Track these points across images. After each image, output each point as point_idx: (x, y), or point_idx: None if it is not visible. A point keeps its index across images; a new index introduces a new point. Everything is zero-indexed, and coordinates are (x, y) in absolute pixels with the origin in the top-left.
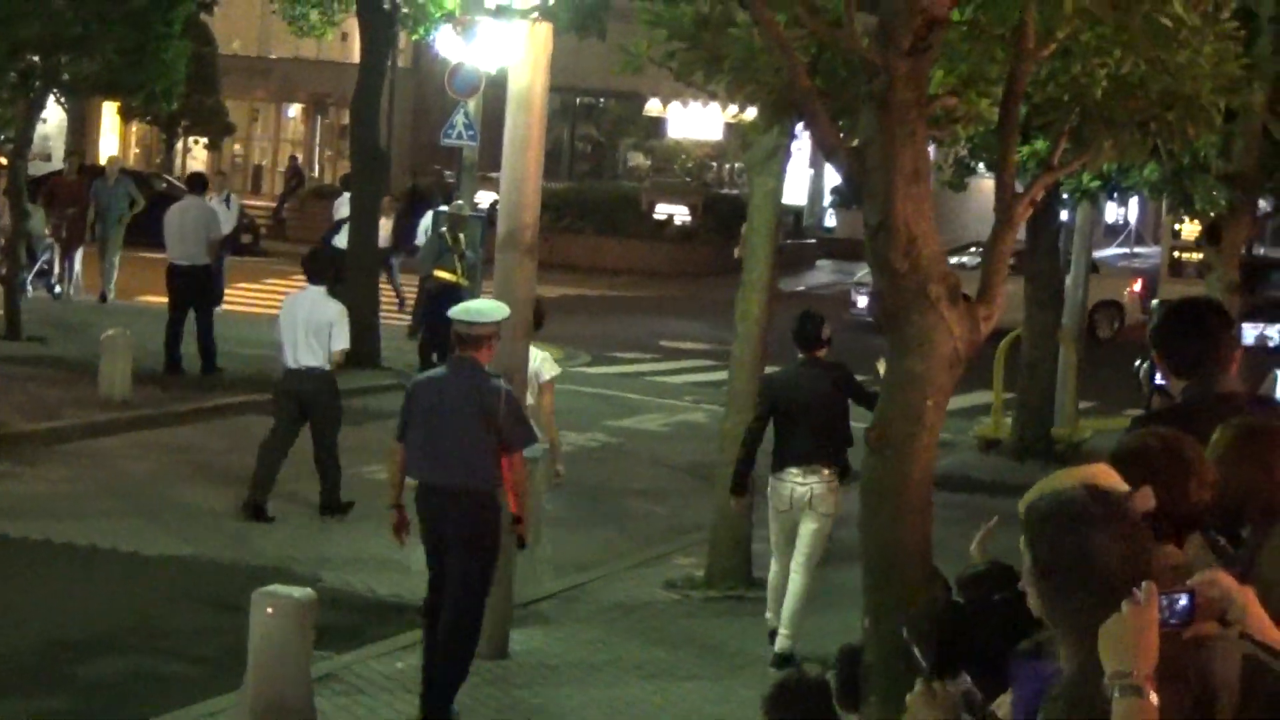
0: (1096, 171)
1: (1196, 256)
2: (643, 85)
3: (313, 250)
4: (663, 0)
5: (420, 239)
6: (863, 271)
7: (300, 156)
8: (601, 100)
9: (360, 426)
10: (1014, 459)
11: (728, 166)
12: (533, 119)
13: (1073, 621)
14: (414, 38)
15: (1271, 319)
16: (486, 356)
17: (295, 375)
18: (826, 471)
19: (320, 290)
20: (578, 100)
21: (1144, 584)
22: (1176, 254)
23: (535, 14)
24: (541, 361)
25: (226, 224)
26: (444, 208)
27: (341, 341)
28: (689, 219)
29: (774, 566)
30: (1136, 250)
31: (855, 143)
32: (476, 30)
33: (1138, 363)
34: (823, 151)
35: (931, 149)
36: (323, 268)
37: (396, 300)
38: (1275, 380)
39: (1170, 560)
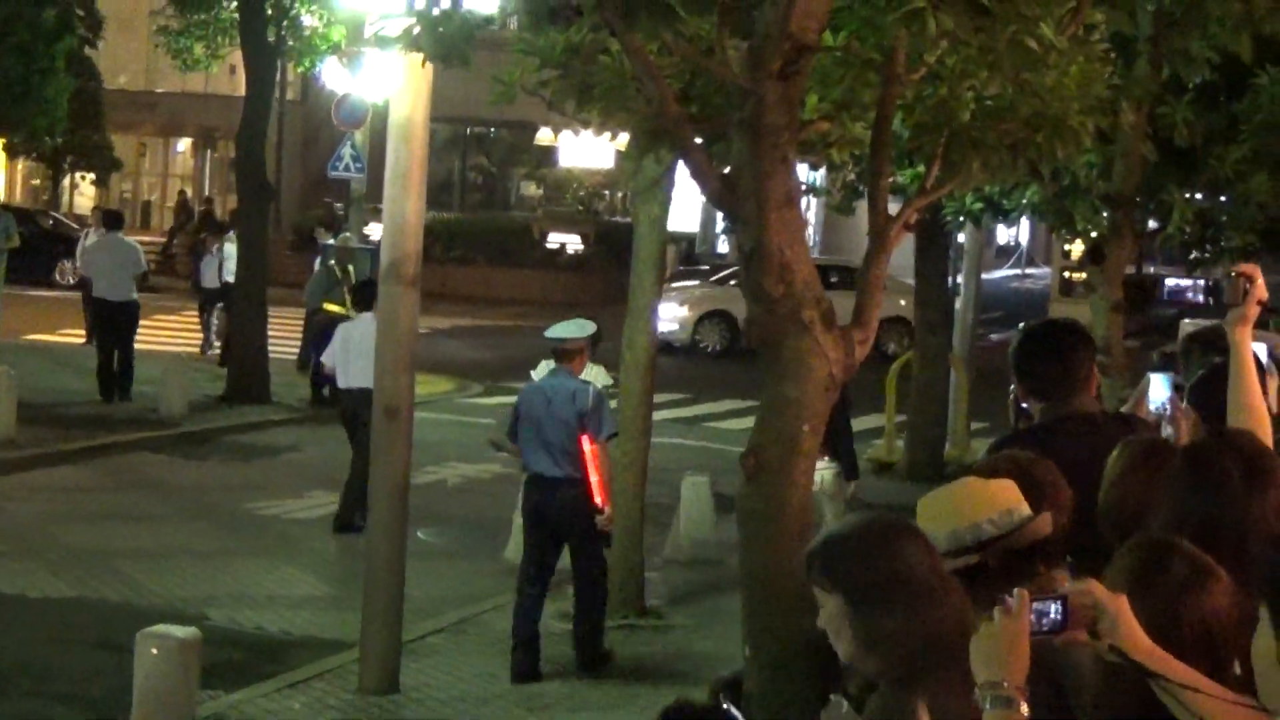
0: (970, 193)
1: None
2: (534, 114)
3: (362, 281)
4: (532, 28)
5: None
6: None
7: (189, 191)
8: (492, 130)
9: (249, 462)
10: (906, 481)
11: (620, 194)
12: (414, 149)
13: (889, 647)
14: (299, 69)
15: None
16: (579, 366)
17: (347, 395)
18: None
19: (370, 316)
20: (468, 130)
21: (1015, 591)
22: (1066, 274)
23: (401, 44)
24: (596, 374)
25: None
26: (330, 240)
27: None
28: (581, 248)
29: None
30: (1028, 271)
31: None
32: (362, 61)
33: (1012, 387)
34: (695, 179)
35: (821, 173)
36: (371, 296)
37: (202, 340)
38: (1148, 385)
39: (1056, 585)
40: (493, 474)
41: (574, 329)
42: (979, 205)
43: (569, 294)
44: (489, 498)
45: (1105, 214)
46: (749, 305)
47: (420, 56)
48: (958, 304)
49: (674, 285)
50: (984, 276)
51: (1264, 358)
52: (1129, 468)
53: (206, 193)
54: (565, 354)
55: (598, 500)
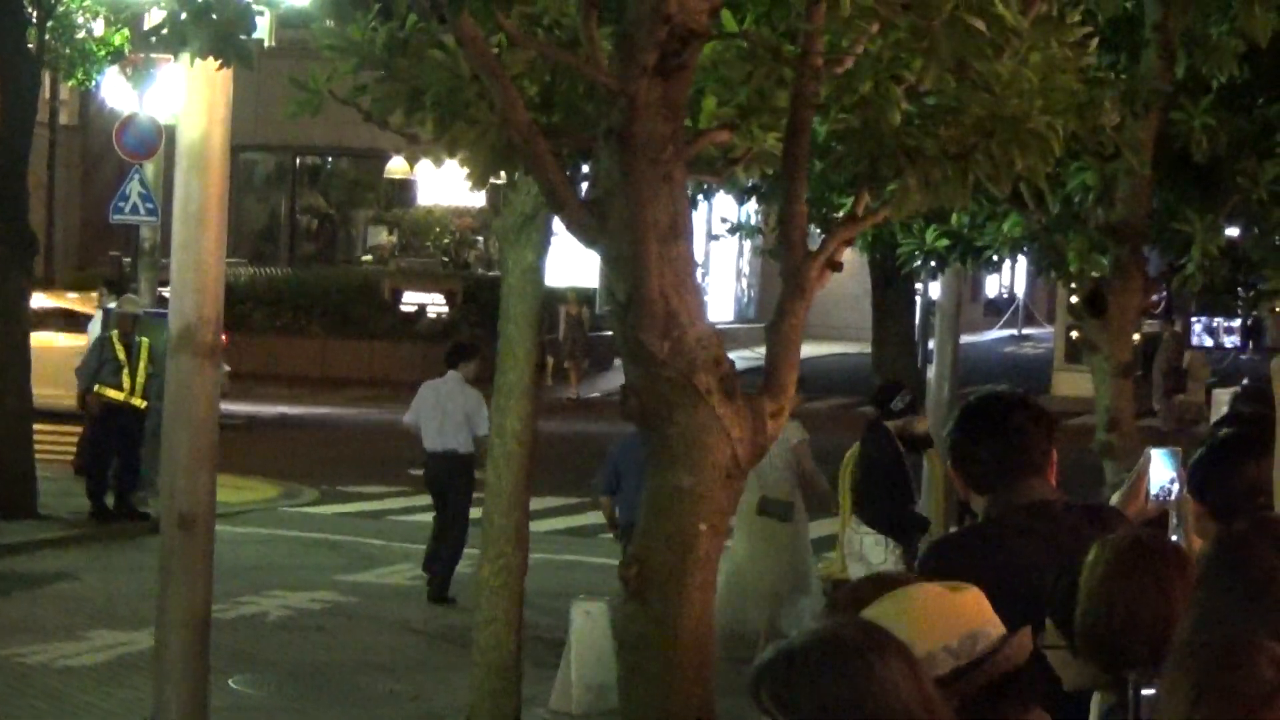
0: (932, 227)
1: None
2: (383, 140)
3: (455, 342)
4: (339, 18)
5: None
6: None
7: None
8: (329, 160)
9: (8, 596)
10: None
11: (496, 241)
12: (210, 180)
13: None
14: (71, 84)
15: None
16: None
17: (435, 458)
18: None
19: (458, 376)
20: (299, 161)
21: None
22: (1075, 334)
23: (167, 41)
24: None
25: None
26: (112, 305)
27: (484, 428)
28: (446, 310)
29: None
30: (1026, 332)
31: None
32: (153, 73)
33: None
34: (551, 205)
35: (753, 207)
36: (464, 355)
37: None
38: (1148, 463)
39: None
40: (327, 604)
41: None
42: (944, 242)
43: (430, 369)
44: (322, 635)
45: (1107, 250)
46: (626, 368)
47: (212, 60)
48: (930, 374)
49: None
50: (968, 339)
51: (1173, 469)
52: (1112, 571)
53: None
54: None
55: None
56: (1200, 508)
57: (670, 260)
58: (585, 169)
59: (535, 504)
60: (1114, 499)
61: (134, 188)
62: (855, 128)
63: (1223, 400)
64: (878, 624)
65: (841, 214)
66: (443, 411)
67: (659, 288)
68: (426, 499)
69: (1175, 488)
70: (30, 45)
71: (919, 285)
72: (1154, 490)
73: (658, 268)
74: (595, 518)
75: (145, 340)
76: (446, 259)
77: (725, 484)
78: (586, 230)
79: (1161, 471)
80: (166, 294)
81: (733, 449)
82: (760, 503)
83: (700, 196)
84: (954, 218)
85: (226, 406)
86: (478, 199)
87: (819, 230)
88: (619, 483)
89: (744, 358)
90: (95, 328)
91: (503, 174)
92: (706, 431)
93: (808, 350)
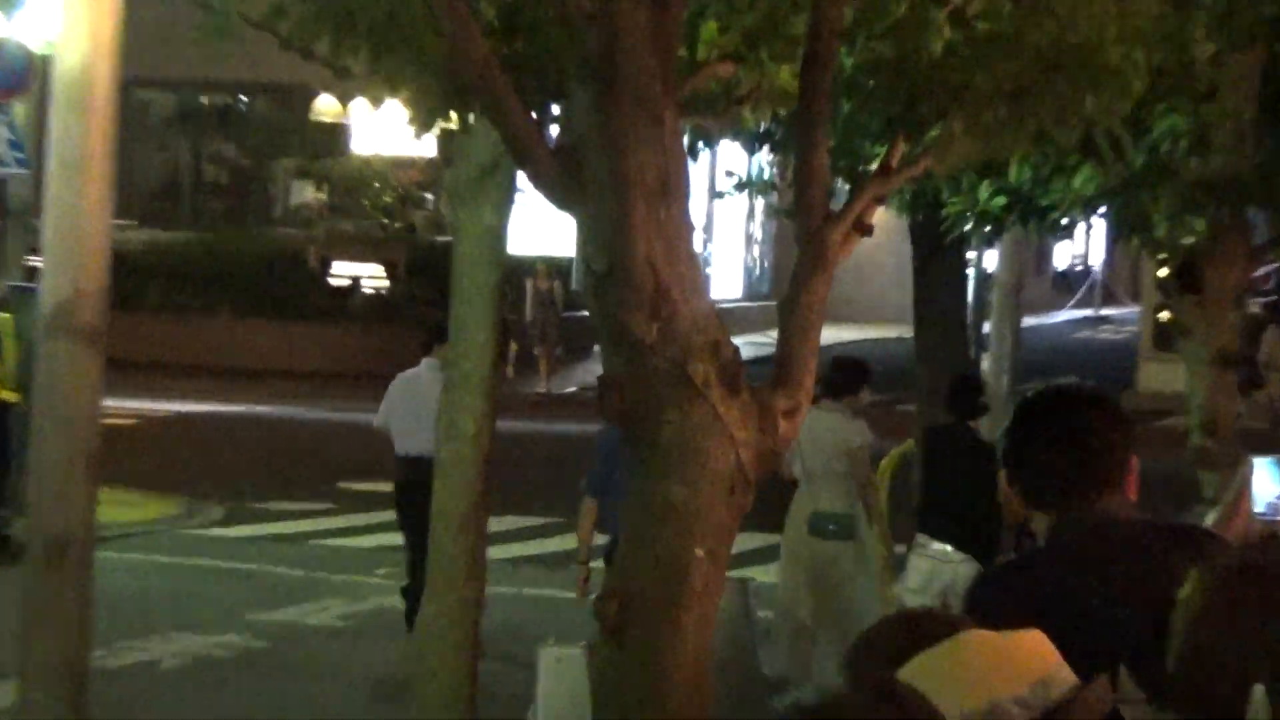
0: (984, 182)
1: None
2: (308, 73)
3: (431, 324)
4: None
5: None
6: None
7: None
8: (243, 100)
9: None
10: None
11: (447, 199)
12: (93, 125)
13: None
14: None
15: None
16: None
17: (406, 464)
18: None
19: (434, 364)
20: (206, 101)
21: None
22: (1164, 316)
23: None
24: (851, 431)
25: None
26: None
27: None
28: (386, 284)
29: None
30: (1104, 312)
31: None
32: None
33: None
34: (514, 156)
35: (765, 156)
36: (440, 339)
37: None
38: (1251, 473)
39: None
40: (238, 649)
41: None
42: (1000, 201)
43: (366, 357)
44: (229, 689)
45: (1202, 210)
46: (606, 356)
47: None
48: (985, 363)
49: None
50: (1032, 321)
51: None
52: (1218, 604)
53: None
54: None
55: None
56: None
57: (660, 223)
58: (556, 111)
59: (494, 525)
60: (1209, 518)
61: (0, 134)
62: (888, 59)
63: None
64: (900, 692)
65: (873, 166)
66: (418, 407)
67: (646, 257)
68: (362, 518)
69: None
70: None
71: (971, 255)
72: (1259, 507)
73: (644, 233)
74: (566, 543)
75: (7, 316)
76: (386, 221)
77: (727, 498)
78: (557, 186)
79: (1269, 483)
80: (37, 263)
81: (736, 454)
82: (812, 519)
83: (700, 145)
84: (1012, 171)
85: (112, 403)
86: (425, 147)
87: (845, 185)
88: (607, 482)
89: (754, 343)
90: None
91: (454, 116)
92: (704, 433)
93: (832, 335)
